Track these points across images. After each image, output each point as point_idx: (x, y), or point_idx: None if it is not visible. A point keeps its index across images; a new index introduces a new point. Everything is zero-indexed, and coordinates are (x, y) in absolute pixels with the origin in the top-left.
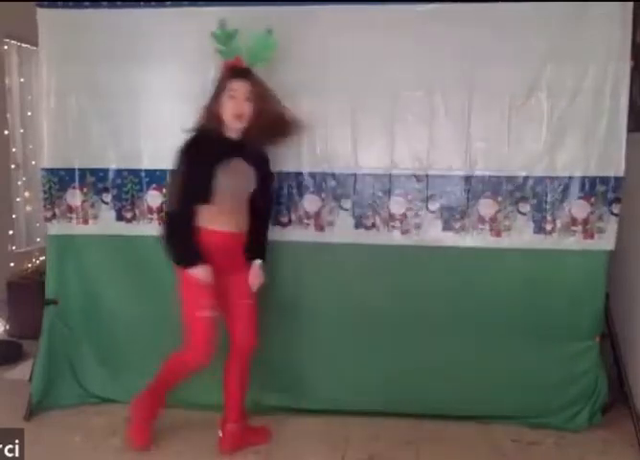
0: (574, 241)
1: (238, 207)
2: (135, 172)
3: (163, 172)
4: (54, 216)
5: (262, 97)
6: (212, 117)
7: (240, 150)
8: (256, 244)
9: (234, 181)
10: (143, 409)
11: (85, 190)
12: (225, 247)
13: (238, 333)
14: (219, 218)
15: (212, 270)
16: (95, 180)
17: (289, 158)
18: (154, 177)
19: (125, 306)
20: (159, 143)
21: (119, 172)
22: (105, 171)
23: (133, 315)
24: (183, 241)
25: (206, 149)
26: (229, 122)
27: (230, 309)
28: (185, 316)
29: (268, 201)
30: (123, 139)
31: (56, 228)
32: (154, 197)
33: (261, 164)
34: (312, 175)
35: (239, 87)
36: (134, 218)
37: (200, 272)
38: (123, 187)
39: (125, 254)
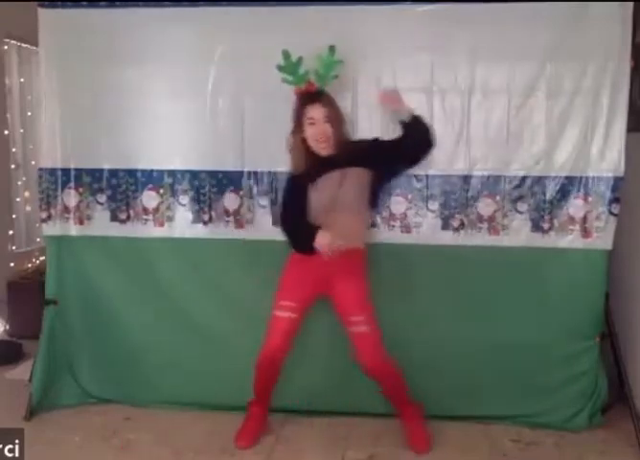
0: (571, 240)
1: (338, 221)
2: (131, 173)
3: (160, 172)
4: (49, 216)
5: (337, 117)
6: (300, 144)
7: (332, 164)
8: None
9: (324, 196)
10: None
11: (81, 190)
12: (314, 260)
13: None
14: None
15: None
16: (91, 180)
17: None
18: (151, 178)
19: (124, 306)
20: (156, 143)
21: (114, 172)
22: (101, 171)
23: (132, 316)
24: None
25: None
26: (315, 146)
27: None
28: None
29: (408, 142)
30: (119, 139)
31: (53, 229)
32: (150, 198)
33: (359, 155)
34: None
35: (315, 113)
36: (128, 218)
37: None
38: (118, 187)
39: (121, 255)
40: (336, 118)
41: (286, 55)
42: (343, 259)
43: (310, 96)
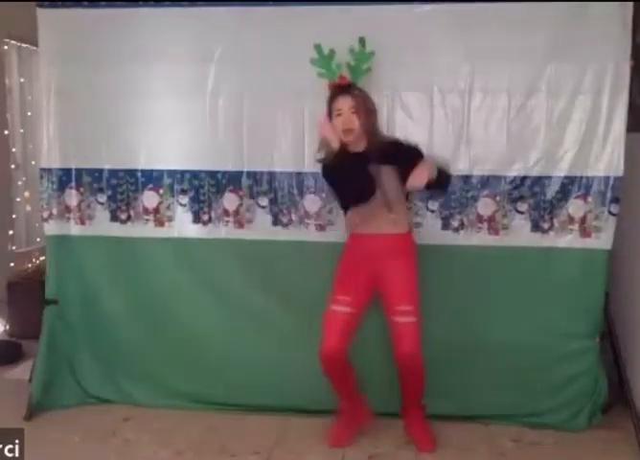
0: (571, 240)
1: (376, 210)
2: (131, 173)
3: (159, 172)
4: (51, 216)
5: (366, 110)
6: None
7: (366, 160)
8: None
9: None
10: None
11: (82, 190)
12: (365, 249)
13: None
14: (360, 223)
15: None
16: (91, 180)
17: (290, 158)
18: (150, 178)
19: (124, 306)
20: (156, 143)
21: (114, 172)
22: (101, 171)
23: (132, 316)
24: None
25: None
26: (343, 137)
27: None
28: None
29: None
30: (119, 139)
31: (53, 228)
32: (150, 198)
33: (390, 155)
34: (313, 175)
35: (342, 104)
36: (129, 218)
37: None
38: (118, 187)
39: (122, 255)
40: (365, 110)
41: (319, 49)
42: (392, 243)
43: (340, 88)
